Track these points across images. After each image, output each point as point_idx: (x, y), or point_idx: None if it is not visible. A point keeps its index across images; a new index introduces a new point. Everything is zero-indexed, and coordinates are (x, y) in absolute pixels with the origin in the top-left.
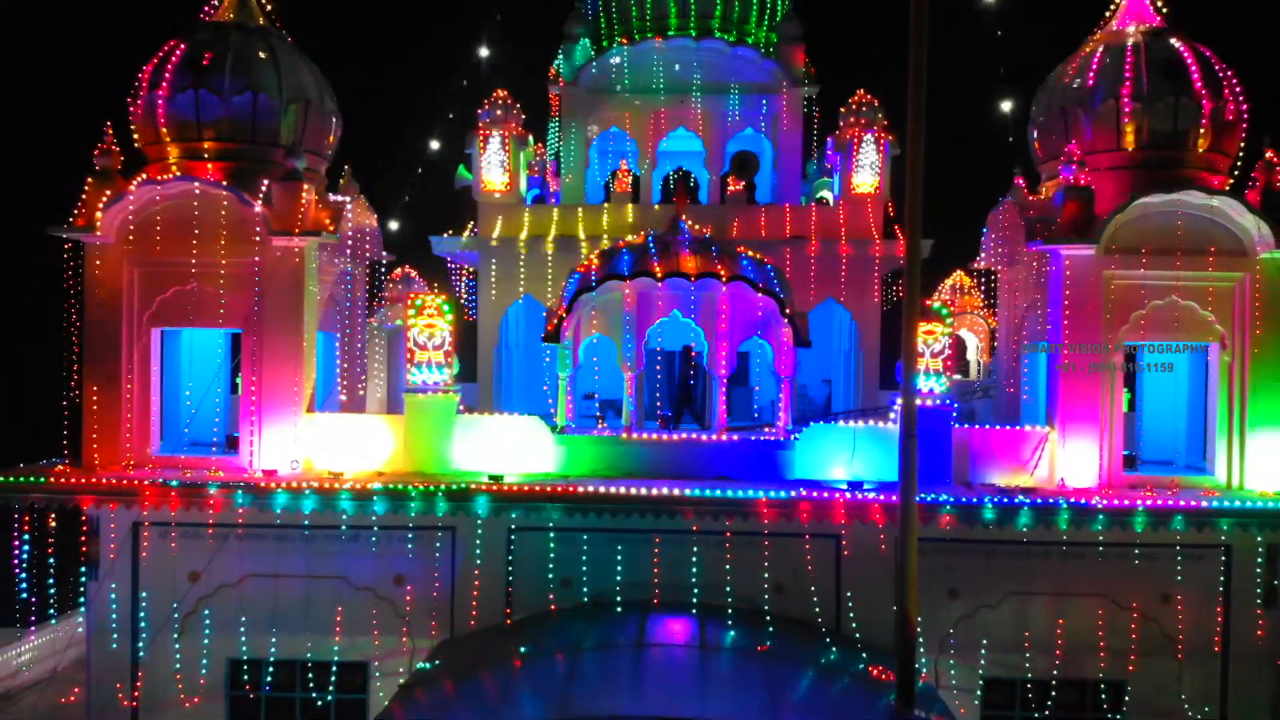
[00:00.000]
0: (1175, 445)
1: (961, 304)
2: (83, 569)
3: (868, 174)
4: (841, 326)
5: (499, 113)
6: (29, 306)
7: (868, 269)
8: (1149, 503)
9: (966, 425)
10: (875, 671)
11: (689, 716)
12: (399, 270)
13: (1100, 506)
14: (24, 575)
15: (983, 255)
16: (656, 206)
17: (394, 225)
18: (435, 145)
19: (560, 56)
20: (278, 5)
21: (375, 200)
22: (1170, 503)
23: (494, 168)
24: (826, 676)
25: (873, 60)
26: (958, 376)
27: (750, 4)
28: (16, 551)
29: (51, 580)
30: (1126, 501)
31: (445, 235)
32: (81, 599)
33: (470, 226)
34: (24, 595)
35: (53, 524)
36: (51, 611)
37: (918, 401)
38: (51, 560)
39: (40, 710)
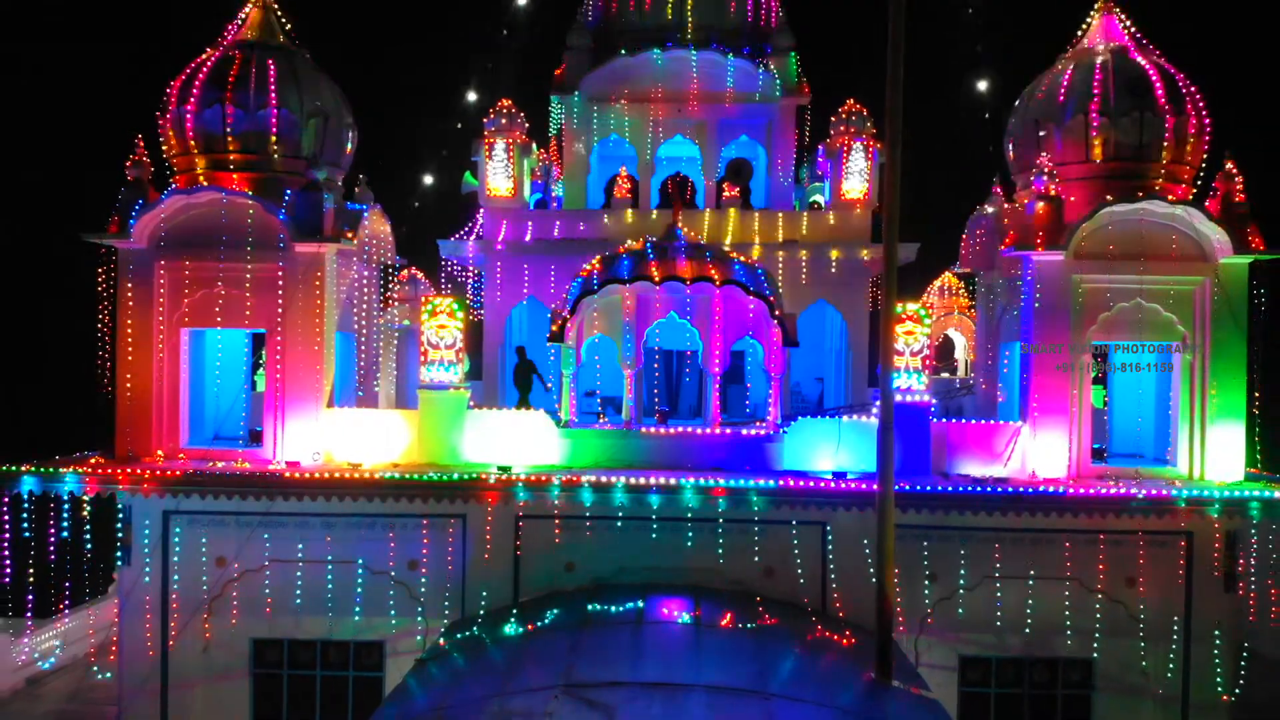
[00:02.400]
0: (1145, 440)
1: (949, 304)
2: (117, 555)
3: (857, 181)
4: (833, 327)
5: (504, 121)
6: (28, 307)
7: (857, 271)
8: (1112, 492)
9: (953, 420)
10: (857, 647)
11: (683, 683)
12: (405, 272)
13: (1067, 495)
14: (54, 563)
15: (963, 259)
16: (655, 211)
17: (403, 229)
18: (444, 153)
19: (563, 67)
20: (296, 22)
21: (384, 204)
22: (1131, 492)
23: (499, 174)
24: (812, 651)
25: (864, 70)
26: (944, 375)
27: (745, 16)
28: (53, 540)
29: (61, 568)
30: (1091, 490)
31: (452, 239)
32: (102, 588)
33: (477, 230)
34: (53, 581)
35: (85, 513)
36: (87, 594)
37: (898, 398)
38: (89, 547)
39: (67, 693)
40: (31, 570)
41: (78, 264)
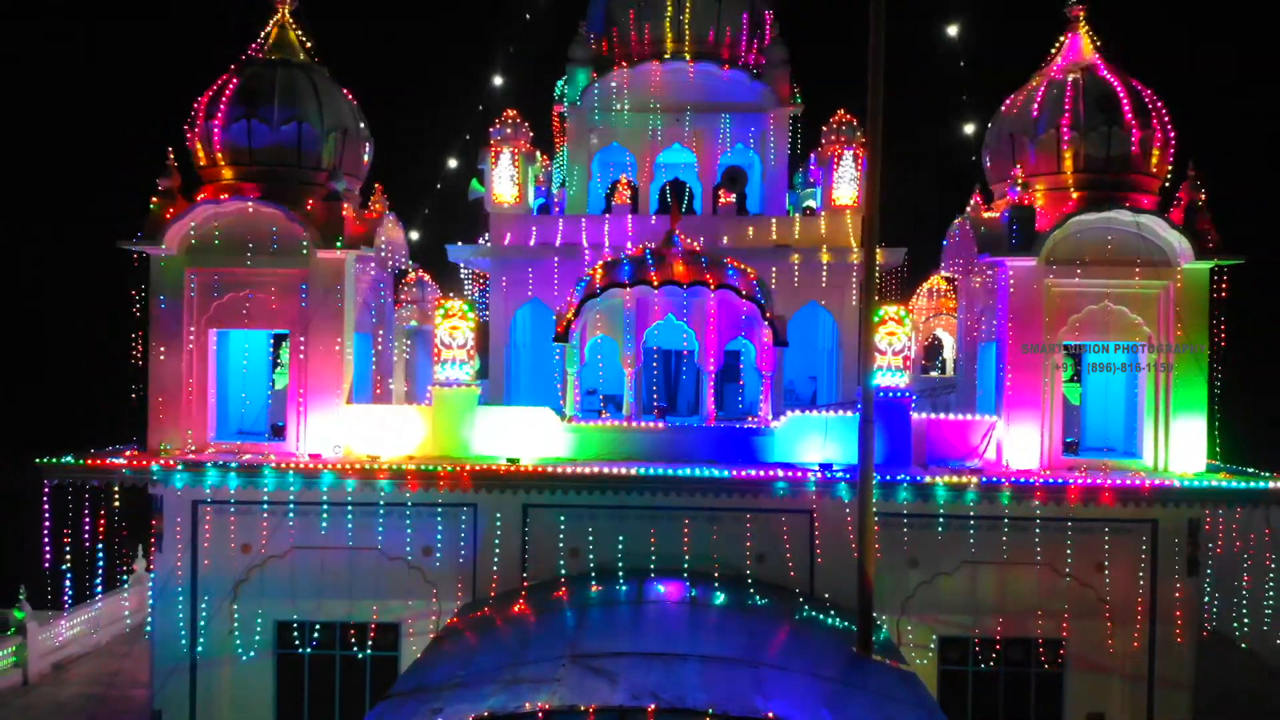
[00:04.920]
0: (1115, 434)
1: (938, 306)
2: (150, 542)
3: (847, 188)
4: (824, 327)
5: (509, 131)
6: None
7: (847, 274)
8: (1079, 482)
9: (938, 415)
10: (841, 626)
11: (680, 653)
12: (413, 275)
13: (1037, 485)
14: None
15: (944, 264)
16: (654, 216)
17: (413, 234)
18: (453, 163)
19: (566, 78)
20: (315, 39)
21: (396, 211)
22: (1097, 481)
23: (504, 181)
24: (800, 629)
25: (855, 82)
26: (933, 373)
27: (741, 30)
28: (87, 529)
29: (94, 556)
30: (1060, 480)
31: (460, 243)
32: (124, 577)
33: (483, 236)
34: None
35: (117, 504)
36: (121, 580)
37: (880, 394)
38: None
39: (92, 677)
40: (69, 558)
41: (79, 266)
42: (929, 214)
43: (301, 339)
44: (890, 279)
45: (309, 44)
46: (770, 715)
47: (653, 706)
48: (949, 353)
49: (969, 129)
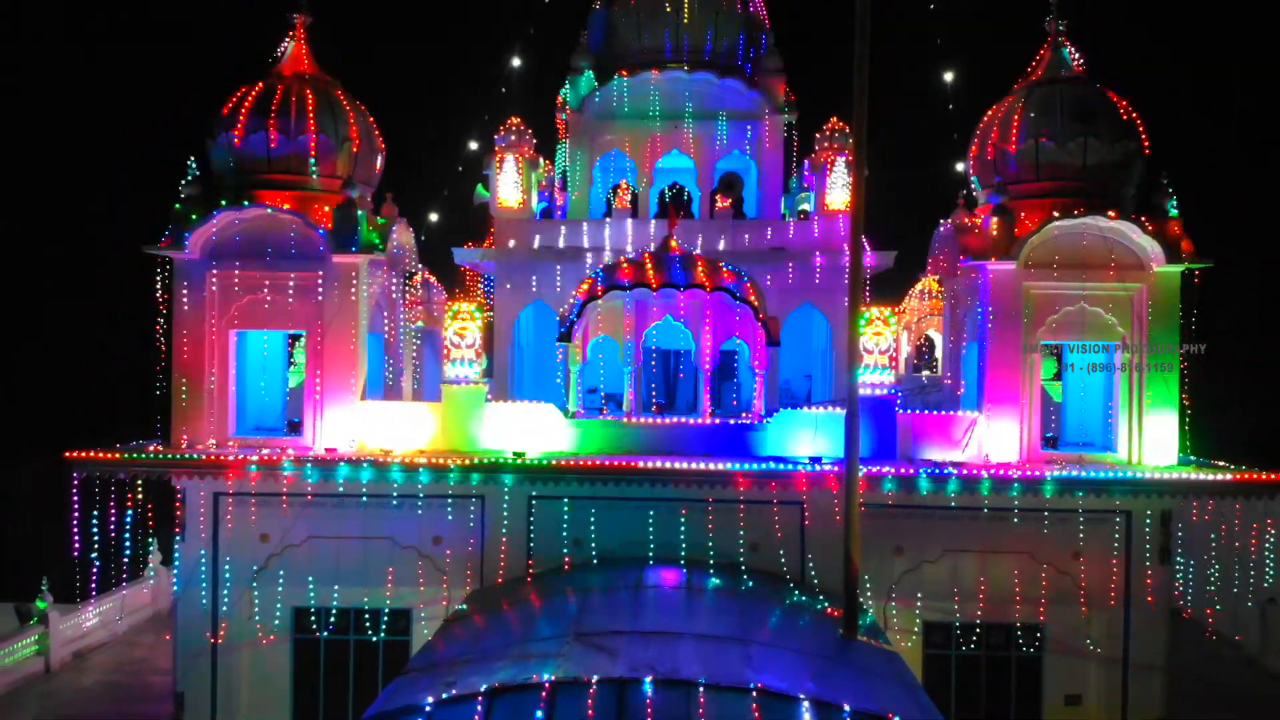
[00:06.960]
0: (1093, 429)
1: (930, 307)
2: (175, 535)
3: (839, 192)
4: (819, 328)
5: (513, 138)
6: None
7: (840, 276)
8: (1054, 474)
9: (927, 411)
10: (830, 611)
11: (675, 632)
12: (419, 277)
13: (1014, 477)
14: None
15: (929, 267)
16: (653, 221)
17: (422, 238)
18: (459, 169)
19: (567, 86)
20: (329, 53)
21: (406, 216)
22: (1072, 474)
23: (509, 187)
24: (789, 612)
25: (848, 90)
26: (925, 372)
27: (737, 40)
28: (113, 521)
29: (119, 547)
30: (1036, 473)
31: (465, 247)
32: (149, 567)
33: (488, 239)
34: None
35: (141, 496)
36: (145, 570)
37: (866, 391)
38: (147, 526)
39: (112, 665)
40: (96, 549)
41: (75, 266)
42: (923, 216)
43: (318, 338)
44: (883, 281)
45: (322, 59)
46: (759, 685)
47: (650, 677)
48: (940, 352)
49: (955, 135)
